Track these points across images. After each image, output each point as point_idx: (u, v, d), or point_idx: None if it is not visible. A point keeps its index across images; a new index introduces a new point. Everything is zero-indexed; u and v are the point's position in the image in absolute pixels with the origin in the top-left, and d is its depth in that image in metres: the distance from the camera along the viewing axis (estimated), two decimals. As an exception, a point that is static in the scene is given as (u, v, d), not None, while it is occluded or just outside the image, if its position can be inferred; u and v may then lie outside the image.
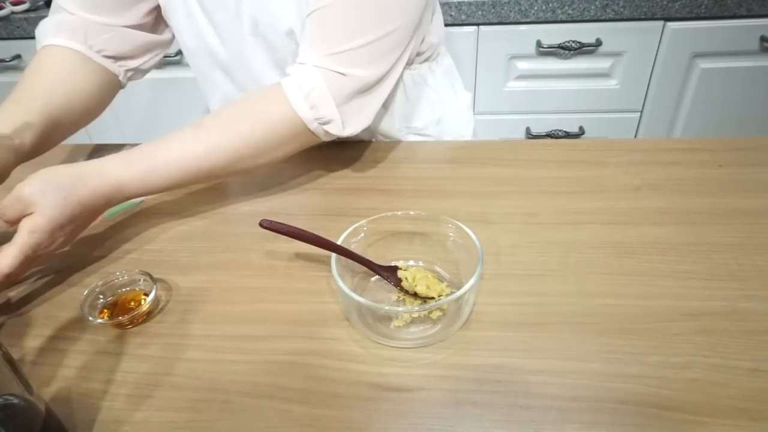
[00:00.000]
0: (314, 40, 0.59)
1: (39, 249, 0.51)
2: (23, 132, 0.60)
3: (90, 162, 0.56)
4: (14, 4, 1.39)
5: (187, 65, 1.44)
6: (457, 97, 0.85)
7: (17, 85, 0.64)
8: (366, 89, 0.61)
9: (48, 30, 0.68)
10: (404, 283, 0.50)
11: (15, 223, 0.51)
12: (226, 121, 0.59)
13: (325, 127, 0.60)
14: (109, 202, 0.56)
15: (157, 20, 0.75)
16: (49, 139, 0.64)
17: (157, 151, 0.58)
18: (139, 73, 0.76)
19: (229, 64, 0.72)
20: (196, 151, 0.58)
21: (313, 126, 0.60)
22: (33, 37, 0.70)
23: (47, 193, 0.51)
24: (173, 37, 0.77)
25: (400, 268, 0.51)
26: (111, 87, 0.73)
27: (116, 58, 0.71)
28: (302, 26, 0.63)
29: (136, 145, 0.59)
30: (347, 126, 0.61)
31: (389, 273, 0.51)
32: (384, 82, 0.62)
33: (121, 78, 0.73)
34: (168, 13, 0.71)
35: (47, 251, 0.52)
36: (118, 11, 0.69)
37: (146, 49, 0.74)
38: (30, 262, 0.51)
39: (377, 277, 0.52)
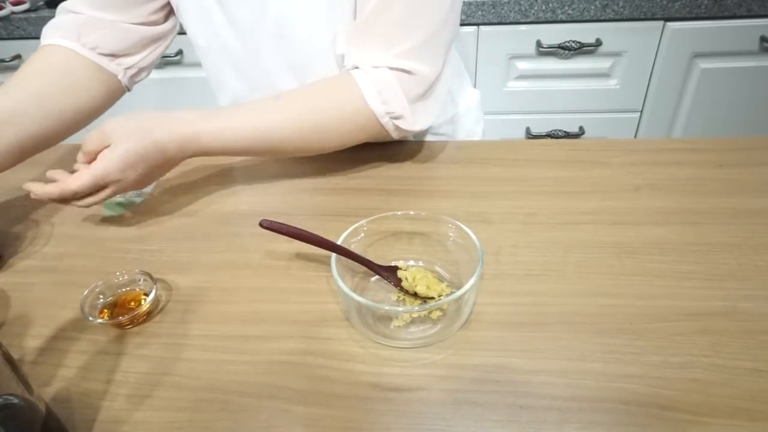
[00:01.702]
0: (376, 41, 0.61)
1: (108, 178, 0.55)
2: None
3: (172, 110, 0.59)
4: (14, 4, 1.39)
5: (192, 65, 1.45)
6: (468, 96, 0.85)
7: None
8: (429, 86, 0.62)
9: (46, 32, 0.68)
10: (404, 283, 0.50)
11: (93, 156, 0.56)
12: (306, 98, 0.62)
13: (396, 122, 0.62)
14: (181, 150, 0.58)
15: (167, 16, 0.74)
16: (15, 132, 0.61)
17: (237, 112, 0.61)
18: (142, 71, 0.75)
19: (243, 62, 0.72)
20: (272, 120, 0.61)
21: (384, 120, 0.62)
22: (33, 37, 0.70)
23: (126, 128, 0.55)
24: (175, 28, 0.76)
25: (400, 268, 0.51)
26: (108, 86, 0.71)
27: (114, 55, 0.71)
28: (327, 27, 0.64)
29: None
30: (416, 123, 0.63)
31: (389, 273, 0.51)
32: (441, 78, 0.64)
33: (120, 77, 0.72)
34: (179, 10, 0.71)
35: (117, 186, 0.57)
36: (126, 8, 0.69)
37: (144, 44, 0.73)
38: (99, 189, 0.56)
39: (377, 277, 0.52)
